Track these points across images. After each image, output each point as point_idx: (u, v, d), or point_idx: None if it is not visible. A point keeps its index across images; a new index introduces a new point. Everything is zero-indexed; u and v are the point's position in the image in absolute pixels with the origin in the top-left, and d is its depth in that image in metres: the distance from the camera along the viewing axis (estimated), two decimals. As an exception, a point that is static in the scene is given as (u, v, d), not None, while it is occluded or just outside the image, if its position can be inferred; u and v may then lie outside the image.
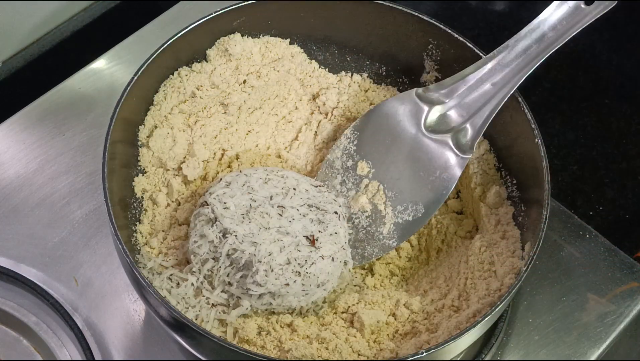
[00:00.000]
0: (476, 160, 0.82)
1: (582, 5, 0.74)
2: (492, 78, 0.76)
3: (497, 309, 0.68)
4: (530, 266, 0.70)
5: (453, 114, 0.78)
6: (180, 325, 0.68)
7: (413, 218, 0.79)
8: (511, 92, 0.75)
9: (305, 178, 0.80)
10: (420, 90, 0.80)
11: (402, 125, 0.80)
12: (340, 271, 0.77)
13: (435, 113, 0.79)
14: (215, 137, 0.84)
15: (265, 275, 0.71)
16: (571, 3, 0.74)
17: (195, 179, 0.82)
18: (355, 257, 0.81)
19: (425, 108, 0.79)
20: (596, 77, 1.10)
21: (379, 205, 0.81)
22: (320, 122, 0.88)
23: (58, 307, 0.82)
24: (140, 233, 0.78)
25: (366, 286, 0.80)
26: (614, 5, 0.73)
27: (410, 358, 0.66)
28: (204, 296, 0.74)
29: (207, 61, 0.84)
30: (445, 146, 0.78)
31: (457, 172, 0.78)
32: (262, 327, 0.73)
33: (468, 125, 0.77)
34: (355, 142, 0.82)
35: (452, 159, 0.78)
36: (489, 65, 0.76)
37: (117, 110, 0.75)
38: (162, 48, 0.78)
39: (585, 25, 0.74)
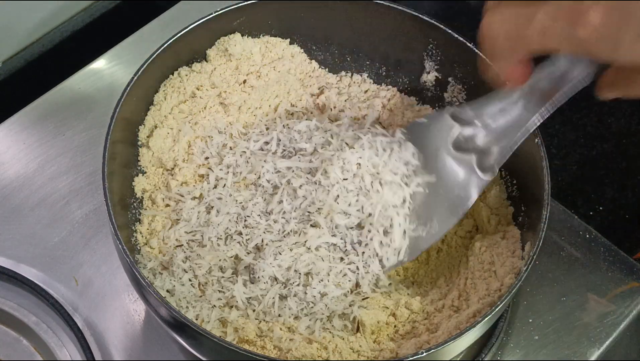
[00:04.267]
0: (476, 160, 0.82)
1: None
2: (525, 101, 0.71)
3: (497, 309, 0.68)
4: (530, 266, 0.70)
5: (481, 135, 0.75)
6: (180, 325, 0.68)
7: (427, 234, 0.78)
8: (545, 116, 0.71)
9: None
10: (452, 109, 0.77)
11: (430, 143, 0.78)
12: None
13: (464, 132, 0.76)
14: (215, 137, 0.84)
15: None
16: None
17: (195, 179, 0.82)
18: None
19: (456, 126, 0.76)
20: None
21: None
22: (320, 122, 0.88)
23: (58, 307, 0.82)
24: (140, 233, 0.78)
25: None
26: None
27: (410, 358, 0.66)
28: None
29: (207, 61, 0.84)
30: (468, 165, 0.76)
31: (475, 193, 0.76)
32: (262, 327, 0.73)
33: (495, 148, 0.75)
34: None
35: (472, 179, 0.76)
36: (523, 88, 0.71)
37: (117, 110, 0.75)
38: (162, 48, 0.78)
39: None
